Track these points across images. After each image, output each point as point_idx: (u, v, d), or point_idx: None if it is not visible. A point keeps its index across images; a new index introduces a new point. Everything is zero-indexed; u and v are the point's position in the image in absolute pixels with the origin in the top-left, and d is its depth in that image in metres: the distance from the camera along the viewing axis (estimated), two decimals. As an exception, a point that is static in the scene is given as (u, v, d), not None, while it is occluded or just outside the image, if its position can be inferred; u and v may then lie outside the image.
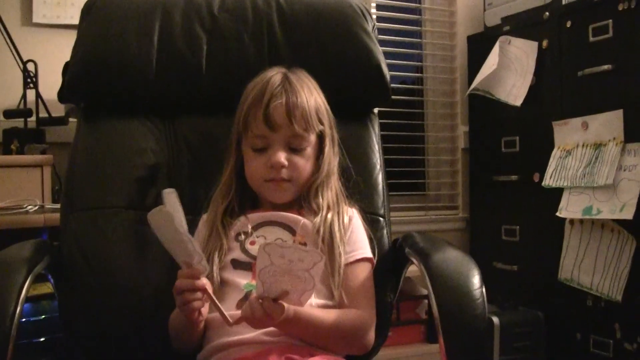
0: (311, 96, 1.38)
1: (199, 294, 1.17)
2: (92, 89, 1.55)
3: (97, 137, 1.54)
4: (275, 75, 1.39)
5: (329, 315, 1.26)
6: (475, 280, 1.19)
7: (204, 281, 1.18)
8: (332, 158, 1.43)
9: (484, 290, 1.18)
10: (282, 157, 1.34)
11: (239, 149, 1.42)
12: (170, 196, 1.26)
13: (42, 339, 1.83)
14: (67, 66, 1.59)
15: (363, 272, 1.36)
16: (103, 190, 1.47)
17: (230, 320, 1.16)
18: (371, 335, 1.33)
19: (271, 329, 1.20)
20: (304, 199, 1.40)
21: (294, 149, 1.36)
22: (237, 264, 1.33)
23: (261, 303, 1.11)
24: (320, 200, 1.38)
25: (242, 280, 1.29)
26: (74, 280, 1.40)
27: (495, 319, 2.64)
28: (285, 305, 1.12)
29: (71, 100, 1.62)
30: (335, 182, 1.43)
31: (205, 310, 1.24)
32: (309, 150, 1.39)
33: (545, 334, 2.74)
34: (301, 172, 1.37)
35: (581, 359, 2.60)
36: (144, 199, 1.48)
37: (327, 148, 1.42)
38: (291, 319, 1.15)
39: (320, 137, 1.41)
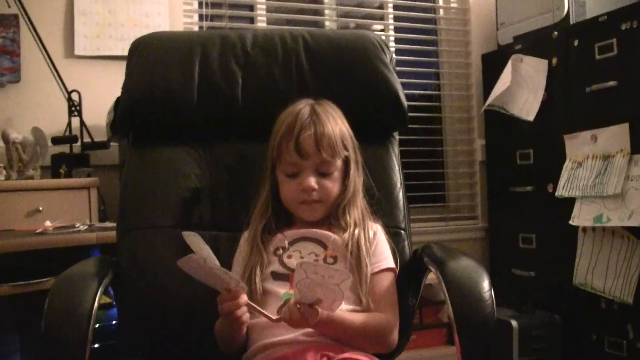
0: (336, 125, 1.51)
1: (243, 309, 1.32)
2: (140, 121, 1.70)
3: (146, 163, 1.68)
4: (304, 108, 1.52)
5: (358, 318, 1.39)
6: (485, 284, 1.34)
7: (244, 298, 1.32)
8: (356, 179, 1.56)
9: (492, 293, 1.33)
10: (312, 181, 1.47)
11: (273, 174, 1.54)
12: (193, 238, 1.43)
13: (96, 345, 1.96)
14: (118, 101, 1.74)
15: (387, 280, 1.49)
16: (153, 211, 1.61)
17: (273, 318, 1.31)
18: (395, 336, 1.46)
19: (308, 330, 1.34)
20: (333, 216, 1.53)
21: (323, 174, 1.49)
22: (276, 276, 1.46)
23: (298, 308, 1.26)
24: (348, 217, 1.51)
25: (281, 289, 1.42)
26: (131, 291, 1.54)
27: (514, 322, 2.76)
28: (319, 309, 1.27)
29: (123, 131, 1.77)
30: (360, 201, 1.56)
31: (247, 317, 1.35)
32: (336, 174, 1.52)
33: (562, 336, 2.84)
34: (330, 193, 1.50)
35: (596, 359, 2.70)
36: (190, 218, 1.62)
37: (352, 171, 1.55)
38: (325, 320, 1.30)
39: (346, 161, 1.54)
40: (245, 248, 1.53)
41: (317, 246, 1.50)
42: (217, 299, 1.33)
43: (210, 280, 1.29)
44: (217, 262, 1.29)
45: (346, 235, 1.49)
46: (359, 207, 1.55)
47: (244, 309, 1.33)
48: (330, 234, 1.51)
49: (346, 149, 1.53)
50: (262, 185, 1.58)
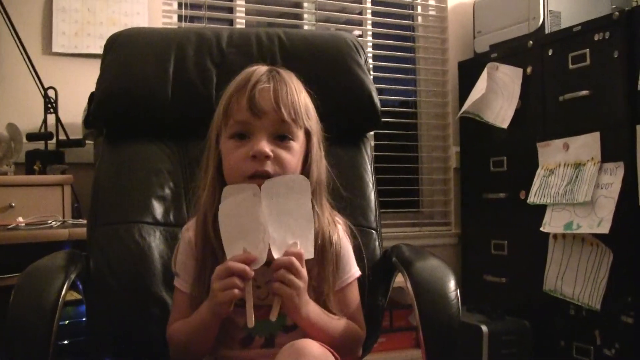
0: (300, 92, 1.29)
1: (240, 284, 1.14)
2: (114, 116, 1.70)
3: (119, 159, 1.68)
4: (261, 67, 1.30)
5: (341, 322, 1.30)
6: (451, 284, 1.35)
7: (252, 273, 1.16)
8: (320, 164, 1.33)
9: (458, 292, 1.34)
10: (266, 146, 1.20)
11: (217, 149, 1.29)
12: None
13: (65, 342, 1.97)
14: (92, 96, 1.74)
15: (354, 292, 1.37)
16: (124, 206, 1.61)
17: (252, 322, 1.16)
18: (360, 348, 1.40)
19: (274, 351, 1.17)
20: None
21: (280, 138, 1.24)
22: None
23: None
24: (319, 214, 1.30)
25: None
26: (100, 286, 1.53)
27: (484, 328, 2.79)
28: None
29: (96, 125, 1.77)
30: (326, 195, 1.37)
31: (230, 308, 1.18)
32: (296, 147, 1.26)
33: (532, 342, 2.88)
34: (287, 167, 1.23)
35: (565, 365, 2.72)
36: (161, 214, 1.62)
37: (315, 149, 1.31)
38: (312, 320, 1.22)
39: (308, 136, 1.30)
40: (194, 244, 1.31)
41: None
42: (216, 275, 1.17)
43: (245, 230, 1.17)
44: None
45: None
46: (326, 205, 1.35)
47: (241, 284, 1.15)
48: None
49: (310, 119, 1.30)
50: (206, 164, 1.33)
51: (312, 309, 1.23)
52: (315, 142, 1.32)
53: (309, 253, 1.20)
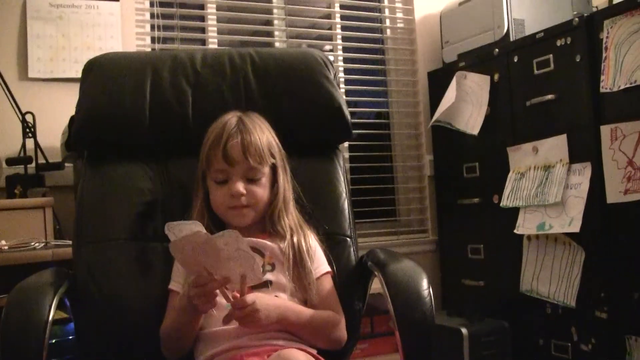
0: (263, 134, 1.58)
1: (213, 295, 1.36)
2: (95, 139, 1.75)
3: (101, 179, 1.73)
4: (231, 118, 1.59)
5: (307, 312, 1.50)
6: (424, 284, 1.41)
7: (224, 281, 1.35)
8: (286, 187, 1.63)
9: (431, 291, 1.40)
10: (240, 187, 1.54)
11: (204, 183, 1.61)
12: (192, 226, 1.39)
13: (53, 361, 2.00)
14: (72, 119, 1.79)
15: (328, 282, 1.59)
16: (108, 225, 1.66)
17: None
18: (342, 331, 1.55)
19: (254, 334, 1.43)
20: (268, 224, 1.60)
21: (251, 180, 1.56)
22: None
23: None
24: (283, 224, 1.58)
25: (224, 300, 1.40)
26: (88, 303, 1.58)
27: (464, 330, 2.83)
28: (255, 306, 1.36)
29: (77, 148, 1.81)
30: (293, 208, 1.64)
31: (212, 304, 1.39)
32: (264, 181, 1.58)
33: (511, 342, 2.93)
34: (258, 199, 1.57)
35: (543, 363, 2.78)
36: (144, 231, 1.67)
37: (281, 178, 1.61)
38: (279, 319, 1.43)
39: (274, 169, 1.61)
40: None
41: (255, 254, 1.48)
42: (189, 287, 1.38)
43: (233, 261, 1.31)
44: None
45: (285, 243, 1.56)
46: (293, 214, 1.63)
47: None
48: (268, 242, 1.57)
49: (273, 156, 1.60)
50: (195, 195, 1.64)
51: (279, 313, 1.44)
52: (280, 171, 1.62)
53: (257, 279, 1.39)
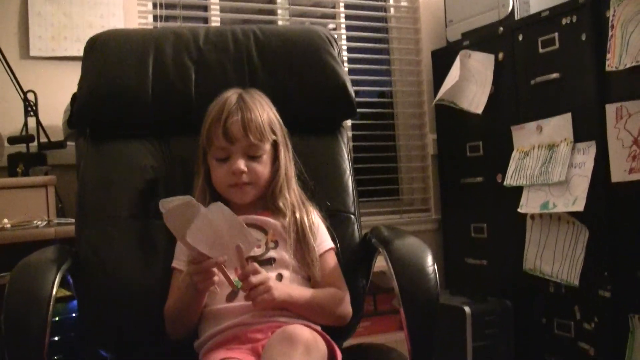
0: (263, 111, 1.57)
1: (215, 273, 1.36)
2: (97, 116, 1.74)
3: (103, 157, 1.73)
4: (231, 96, 1.59)
5: (307, 292, 1.50)
6: (428, 260, 1.41)
7: (221, 259, 1.35)
8: (287, 164, 1.62)
9: (435, 267, 1.40)
10: (241, 164, 1.53)
11: (205, 161, 1.61)
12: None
13: (56, 338, 1.99)
14: (74, 97, 1.78)
15: (331, 258, 1.59)
16: (111, 202, 1.66)
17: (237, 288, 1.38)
18: (346, 307, 1.56)
19: (257, 312, 1.43)
20: (270, 201, 1.59)
21: (252, 157, 1.55)
22: None
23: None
24: (286, 201, 1.58)
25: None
26: (90, 280, 1.59)
27: (467, 309, 2.83)
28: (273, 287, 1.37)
29: (79, 126, 1.80)
30: (295, 185, 1.63)
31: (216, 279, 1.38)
32: (265, 158, 1.58)
33: (514, 321, 2.93)
34: (259, 176, 1.56)
35: (547, 341, 2.78)
36: (146, 208, 1.67)
37: (282, 155, 1.61)
38: (282, 300, 1.42)
39: (275, 146, 1.60)
40: None
41: (258, 232, 1.56)
42: (189, 265, 1.38)
43: (227, 236, 1.33)
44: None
45: (286, 220, 1.56)
46: (295, 191, 1.63)
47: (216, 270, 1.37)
48: (270, 219, 1.57)
49: (274, 133, 1.60)
50: (196, 174, 1.64)
51: (289, 291, 1.46)
52: (282, 148, 1.61)
53: (252, 246, 1.40)
